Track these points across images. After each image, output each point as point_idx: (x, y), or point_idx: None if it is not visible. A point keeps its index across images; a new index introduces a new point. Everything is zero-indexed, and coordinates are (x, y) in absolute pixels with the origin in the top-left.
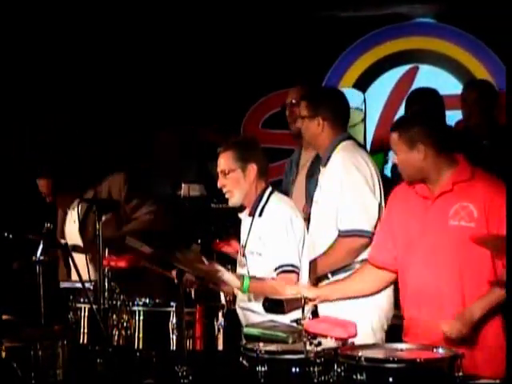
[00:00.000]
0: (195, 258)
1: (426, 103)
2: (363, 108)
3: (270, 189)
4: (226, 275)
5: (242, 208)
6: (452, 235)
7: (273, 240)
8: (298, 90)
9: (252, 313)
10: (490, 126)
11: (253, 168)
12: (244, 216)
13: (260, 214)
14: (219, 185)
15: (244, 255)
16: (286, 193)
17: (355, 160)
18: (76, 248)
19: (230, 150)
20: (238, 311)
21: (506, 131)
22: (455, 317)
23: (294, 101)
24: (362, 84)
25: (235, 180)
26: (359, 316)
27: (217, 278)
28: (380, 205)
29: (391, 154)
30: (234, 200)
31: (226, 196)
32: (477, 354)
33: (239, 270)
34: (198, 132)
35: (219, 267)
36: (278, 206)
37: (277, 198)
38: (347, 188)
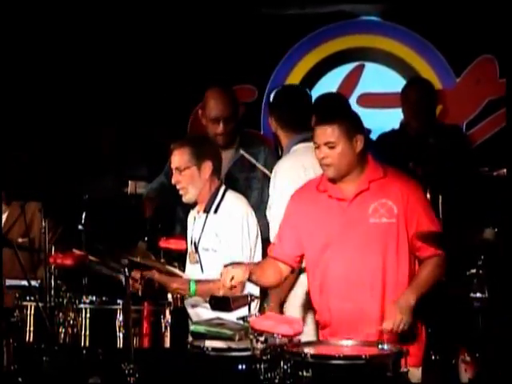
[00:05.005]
0: (143, 255)
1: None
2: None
3: (224, 186)
4: (174, 284)
5: (194, 205)
6: (374, 232)
7: (229, 237)
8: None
9: (205, 310)
10: (431, 125)
11: (208, 165)
12: (196, 213)
13: (216, 211)
14: (173, 181)
15: (197, 252)
16: None
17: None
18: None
19: (186, 146)
20: (189, 310)
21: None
22: (392, 308)
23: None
24: (309, 82)
25: (190, 177)
26: None
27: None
28: None
29: None
30: (188, 197)
31: (180, 193)
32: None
33: (190, 267)
34: (144, 129)
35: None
36: (235, 203)
37: (232, 195)
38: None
